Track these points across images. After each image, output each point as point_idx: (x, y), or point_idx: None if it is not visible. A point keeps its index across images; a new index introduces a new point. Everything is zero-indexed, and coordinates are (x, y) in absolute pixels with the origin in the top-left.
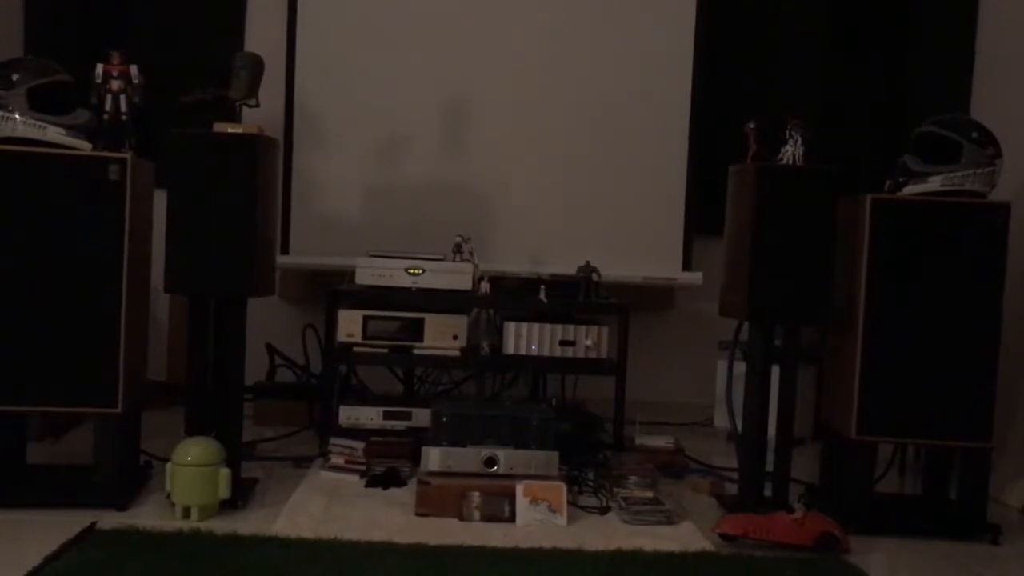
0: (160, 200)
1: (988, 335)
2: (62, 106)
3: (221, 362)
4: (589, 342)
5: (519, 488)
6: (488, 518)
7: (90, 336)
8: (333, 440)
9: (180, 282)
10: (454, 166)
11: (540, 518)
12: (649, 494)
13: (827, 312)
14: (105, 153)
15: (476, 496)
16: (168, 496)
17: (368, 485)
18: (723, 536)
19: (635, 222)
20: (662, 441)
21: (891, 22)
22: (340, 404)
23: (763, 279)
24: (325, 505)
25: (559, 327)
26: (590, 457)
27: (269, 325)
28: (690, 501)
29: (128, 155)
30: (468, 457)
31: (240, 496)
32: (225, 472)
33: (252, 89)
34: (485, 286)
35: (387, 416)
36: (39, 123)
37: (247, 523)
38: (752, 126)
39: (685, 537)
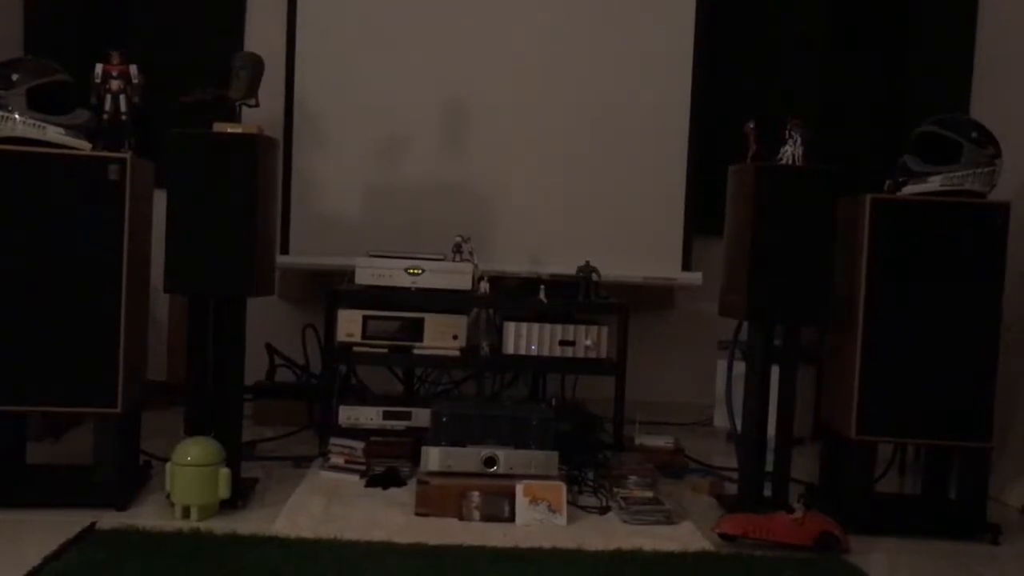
0: (160, 200)
1: (988, 335)
2: (62, 106)
3: (221, 362)
4: (589, 342)
5: (519, 488)
6: (488, 518)
7: (90, 336)
8: (333, 440)
9: (180, 282)
10: (454, 166)
11: (540, 518)
12: (649, 494)
13: (827, 312)
14: (105, 153)
15: (476, 496)
16: (168, 496)
17: (368, 485)
18: (723, 536)
19: (635, 222)
20: (662, 441)
21: (891, 22)
22: (340, 404)
23: (763, 279)
24: (325, 505)
25: (559, 327)
26: (590, 457)
27: (269, 325)
28: (690, 501)
29: (128, 155)
30: (468, 457)
31: (240, 496)
32: (225, 472)
33: (252, 89)
34: (485, 286)
35: (387, 416)
36: (39, 123)
37: (247, 523)
38: (752, 126)
39: (685, 537)
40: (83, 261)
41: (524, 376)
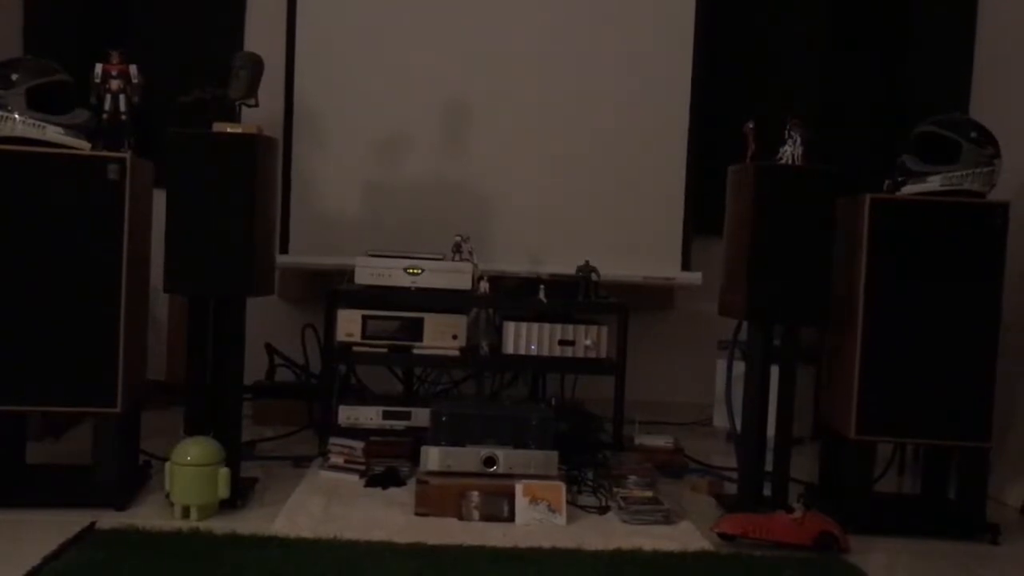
0: (160, 200)
1: (987, 335)
2: (61, 106)
3: (221, 362)
4: (588, 342)
5: (518, 488)
6: (487, 518)
7: (90, 336)
8: (332, 440)
9: (180, 282)
10: (454, 166)
11: (539, 518)
12: (648, 494)
13: (826, 312)
14: (104, 153)
15: (475, 496)
16: (167, 496)
17: (367, 485)
18: (722, 536)
19: (634, 222)
20: (661, 441)
21: (891, 22)
22: (339, 404)
23: (762, 279)
24: (324, 505)
25: (558, 327)
26: (589, 457)
27: (268, 325)
28: (689, 501)
29: (127, 155)
30: (467, 457)
31: (239, 496)
32: (224, 472)
33: (251, 89)
34: (484, 286)
35: (386, 416)
36: (38, 123)
37: (246, 523)
38: (751, 126)
39: (684, 537)
40: (83, 261)
41: (524, 376)
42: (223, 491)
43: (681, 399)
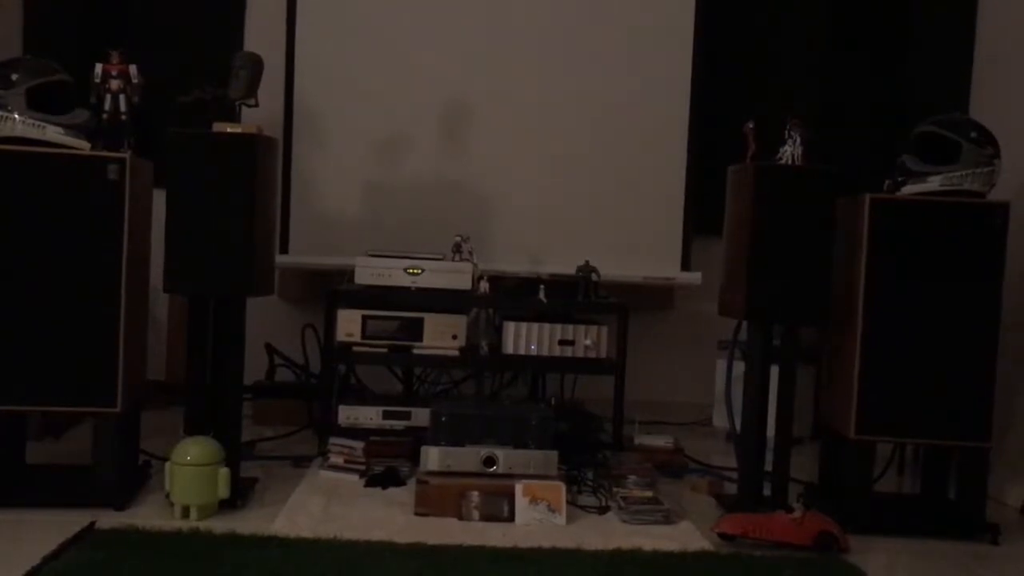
0: (160, 200)
1: (987, 335)
2: (61, 106)
3: (220, 362)
4: (588, 342)
5: (518, 488)
6: (487, 518)
7: (90, 336)
8: (332, 440)
9: (180, 282)
10: (454, 165)
11: (539, 518)
12: (648, 494)
13: (826, 312)
14: (104, 153)
15: (475, 496)
16: (167, 496)
17: (367, 485)
18: (722, 535)
19: (634, 222)
20: (661, 441)
21: (891, 22)
22: (339, 404)
23: (762, 279)
24: (324, 505)
25: (558, 327)
26: (589, 457)
27: (268, 325)
28: (689, 500)
29: (127, 155)
30: (467, 457)
31: (239, 496)
32: (224, 472)
33: (251, 89)
34: (484, 286)
35: (386, 416)
36: (38, 123)
37: (246, 523)
38: (751, 126)
39: (684, 536)
40: (83, 261)
41: (523, 376)
42: (223, 491)
43: (681, 399)
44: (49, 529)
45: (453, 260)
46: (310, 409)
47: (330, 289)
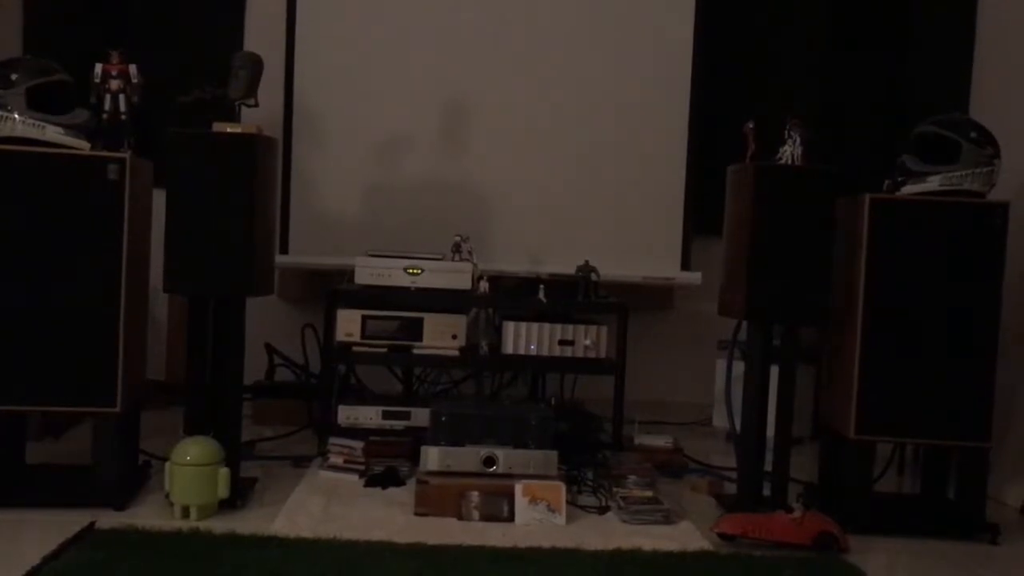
0: (160, 200)
1: (986, 335)
2: (61, 106)
3: (220, 362)
4: (588, 342)
5: (518, 488)
6: (487, 517)
7: (89, 336)
8: (332, 440)
9: (179, 282)
10: (453, 166)
11: (539, 517)
12: (648, 493)
13: (826, 312)
14: (104, 153)
15: (475, 496)
16: (167, 496)
17: (367, 485)
18: (722, 535)
19: (634, 222)
20: (661, 441)
21: (891, 22)
22: (339, 404)
23: (762, 279)
24: (324, 505)
25: (558, 327)
26: (589, 456)
27: (268, 325)
28: (689, 500)
29: (127, 155)
30: (467, 457)
31: (239, 496)
32: (224, 472)
33: (251, 89)
34: (484, 285)
35: (386, 416)
36: (38, 123)
37: (246, 523)
38: (751, 126)
39: (684, 536)
40: (83, 261)
41: (523, 376)
42: (223, 491)
43: (681, 399)
44: (49, 529)
45: (453, 260)
46: (310, 409)
47: (330, 289)
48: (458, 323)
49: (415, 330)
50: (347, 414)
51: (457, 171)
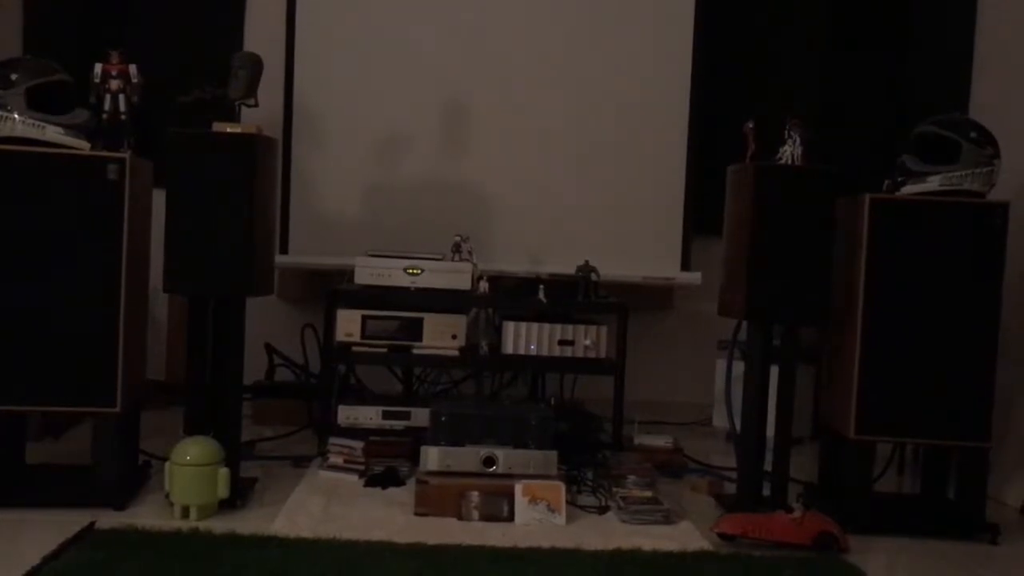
0: (159, 200)
1: (986, 335)
2: (61, 106)
3: (220, 362)
4: (588, 342)
5: (518, 488)
6: (487, 517)
7: (89, 336)
8: (332, 440)
9: (179, 282)
10: (453, 166)
11: (539, 517)
12: (648, 493)
13: (826, 312)
14: (104, 153)
15: (475, 496)
16: (167, 496)
17: (367, 485)
18: (722, 535)
19: (634, 222)
20: (661, 441)
21: (891, 22)
22: (339, 404)
23: (762, 279)
24: (324, 505)
25: (558, 327)
26: (589, 457)
27: (268, 325)
28: (689, 500)
29: (127, 155)
30: (467, 457)
31: (239, 496)
32: (224, 472)
33: (251, 89)
34: (484, 286)
35: (386, 416)
36: (38, 123)
37: (246, 523)
38: (751, 126)
39: (684, 536)
40: (83, 261)
41: (523, 376)
42: (223, 491)
43: (681, 399)
44: (49, 529)
45: (453, 260)
46: (310, 409)
47: (330, 289)
48: (458, 323)
49: (415, 330)
50: (347, 414)
51: (457, 171)
